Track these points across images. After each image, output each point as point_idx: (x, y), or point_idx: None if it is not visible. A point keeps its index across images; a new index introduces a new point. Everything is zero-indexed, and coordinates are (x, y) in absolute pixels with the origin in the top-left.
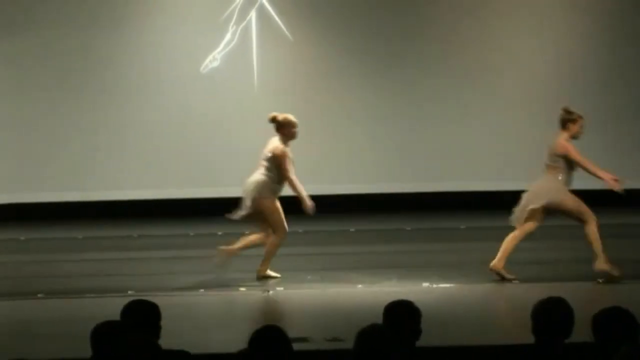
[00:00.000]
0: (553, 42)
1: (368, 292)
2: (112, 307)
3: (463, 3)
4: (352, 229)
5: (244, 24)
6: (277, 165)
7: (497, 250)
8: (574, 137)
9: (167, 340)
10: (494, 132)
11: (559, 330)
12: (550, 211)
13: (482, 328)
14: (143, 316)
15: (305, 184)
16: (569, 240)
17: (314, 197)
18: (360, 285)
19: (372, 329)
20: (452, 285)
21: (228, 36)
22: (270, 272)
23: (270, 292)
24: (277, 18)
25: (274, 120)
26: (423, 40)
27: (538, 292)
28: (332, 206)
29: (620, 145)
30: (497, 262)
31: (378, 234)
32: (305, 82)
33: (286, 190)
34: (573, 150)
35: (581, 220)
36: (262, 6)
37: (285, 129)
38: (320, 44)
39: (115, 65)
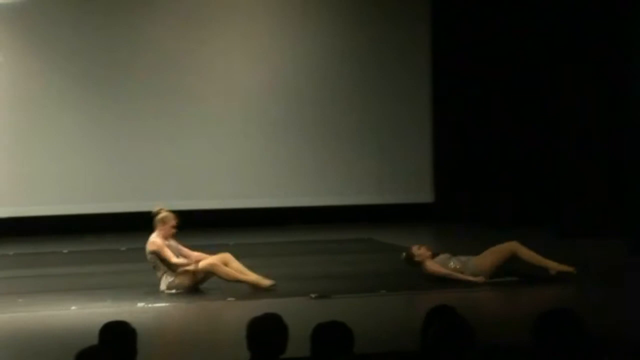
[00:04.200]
0: (259, 65)
1: (82, 313)
2: None
3: (175, 25)
4: (65, 250)
5: None
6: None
7: None
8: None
9: None
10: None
11: (273, 346)
12: None
13: (199, 346)
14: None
15: (17, 205)
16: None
17: (25, 218)
18: (74, 307)
19: (90, 351)
20: (167, 304)
21: None
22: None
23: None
24: None
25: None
26: (135, 58)
27: (253, 308)
28: (42, 228)
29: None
30: None
31: (91, 254)
32: (16, 103)
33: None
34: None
35: None
36: None
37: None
38: (32, 63)
39: None
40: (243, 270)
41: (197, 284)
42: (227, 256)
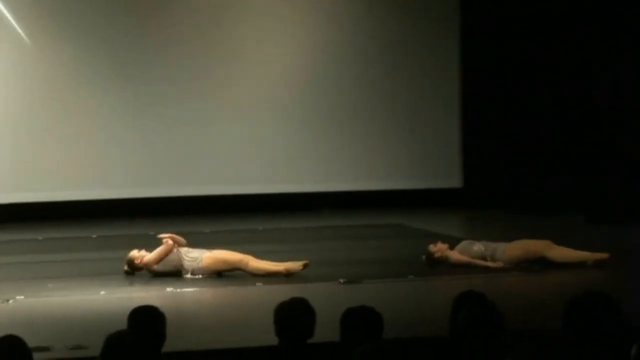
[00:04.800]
0: (289, 50)
1: (111, 298)
2: None
3: (205, 9)
4: (94, 235)
5: None
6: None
7: None
8: None
9: None
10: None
11: (301, 330)
12: None
13: (227, 331)
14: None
15: (47, 190)
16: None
17: (54, 203)
18: (103, 292)
19: (119, 335)
20: (196, 289)
21: None
22: None
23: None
24: (13, 21)
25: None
26: (166, 44)
27: (281, 293)
28: (71, 212)
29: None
30: None
31: (119, 239)
32: (45, 87)
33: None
34: None
35: None
36: None
37: None
38: (60, 48)
39: None
40: (271, 263)
41: (221, 272)
42: (248, 256)
